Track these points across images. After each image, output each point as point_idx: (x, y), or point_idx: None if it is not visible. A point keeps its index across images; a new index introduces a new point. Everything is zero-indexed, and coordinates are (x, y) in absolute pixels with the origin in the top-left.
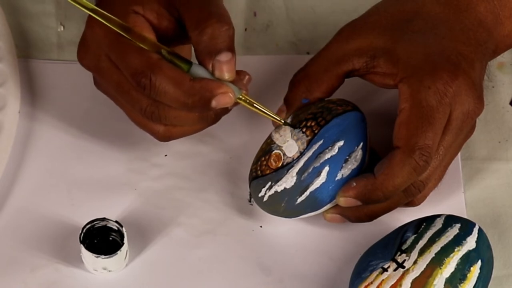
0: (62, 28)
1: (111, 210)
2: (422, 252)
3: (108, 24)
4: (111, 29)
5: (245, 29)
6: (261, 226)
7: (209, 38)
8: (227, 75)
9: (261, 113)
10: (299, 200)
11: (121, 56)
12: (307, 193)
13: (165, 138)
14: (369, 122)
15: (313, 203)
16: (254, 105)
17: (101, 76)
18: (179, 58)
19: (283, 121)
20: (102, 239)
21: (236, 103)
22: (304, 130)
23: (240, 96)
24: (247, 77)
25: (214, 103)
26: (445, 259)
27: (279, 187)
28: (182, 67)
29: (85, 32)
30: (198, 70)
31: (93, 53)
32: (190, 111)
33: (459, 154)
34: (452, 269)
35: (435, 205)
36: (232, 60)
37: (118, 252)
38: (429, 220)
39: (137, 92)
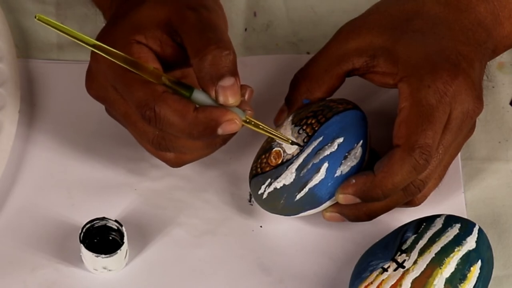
0: None
1: (111, 210)
2: (422, 252)
3: (111, 58)
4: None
5: (245, 29)
6: (261, 226)
7: (210, 65)
8: (231, 100)
9: (266, 133)
10: (298, 196)
11: (126, 88)
12: (306, 189)
13: (176, 164)
14: (369, 122)
15: (312, 200)
16: (260, 126)
17: (109, 106)
18: (181, 86)
19: (290, 141)
20: (102, 238)
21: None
22: (304, 127)
23: (245, 119)
24: (247, 91)
25: (220, 131)
26: (445, 259)
27: (278, 184)
28: (184, 93)
29: (90, 63)
30: (201, 96)
31: (100, 84)
32: (196, 140)
33: (459, 154)
34: (452, 269)
35: (435, 205)
36: (235, 85)
37: (118, 251)
38: (429, 220)
39: (144, 123)
